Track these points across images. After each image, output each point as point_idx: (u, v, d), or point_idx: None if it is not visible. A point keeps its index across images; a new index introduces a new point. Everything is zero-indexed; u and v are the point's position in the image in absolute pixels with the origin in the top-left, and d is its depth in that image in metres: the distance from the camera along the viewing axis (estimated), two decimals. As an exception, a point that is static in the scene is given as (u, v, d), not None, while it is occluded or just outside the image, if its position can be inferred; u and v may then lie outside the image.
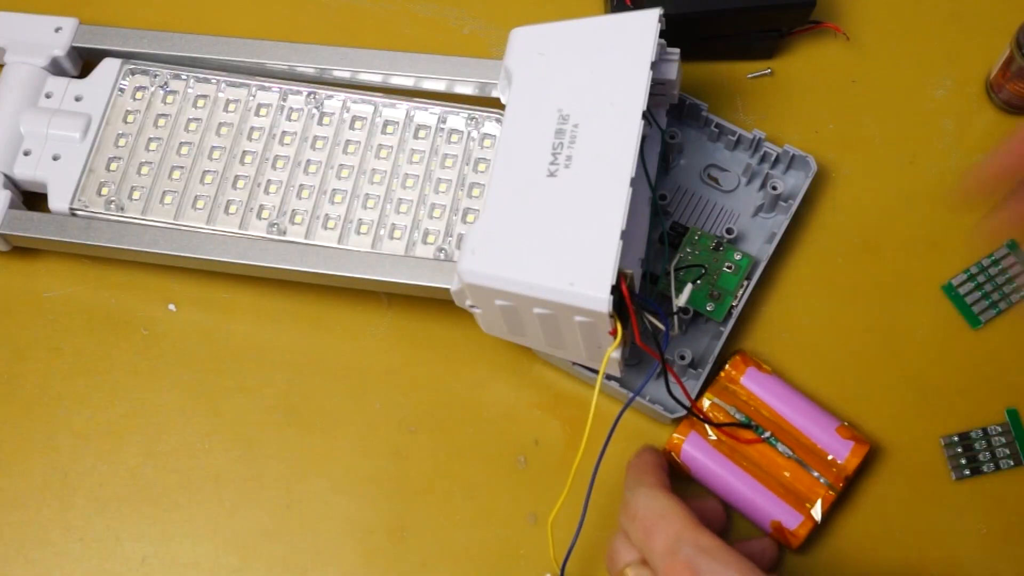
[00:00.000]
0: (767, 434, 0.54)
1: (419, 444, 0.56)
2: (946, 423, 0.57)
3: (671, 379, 0.52)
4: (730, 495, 0.54)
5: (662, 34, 0.52)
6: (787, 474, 0.53)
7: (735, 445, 0.54)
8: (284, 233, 0.56)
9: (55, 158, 0.57)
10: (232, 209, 0.57)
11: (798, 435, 0.54)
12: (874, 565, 0.55)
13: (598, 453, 0.49)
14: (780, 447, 0.54)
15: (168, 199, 0.57)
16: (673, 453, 0.54)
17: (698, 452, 0.54)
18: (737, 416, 0.55)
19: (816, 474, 0.53)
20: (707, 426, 0.54)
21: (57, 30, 0.60)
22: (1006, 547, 0.55)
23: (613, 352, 0.48)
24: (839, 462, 0.53)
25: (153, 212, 0.57)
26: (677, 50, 0.55)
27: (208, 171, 0.57)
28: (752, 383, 0.55)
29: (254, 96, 0.59)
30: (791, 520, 0.52)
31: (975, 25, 0.65)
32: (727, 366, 0.56)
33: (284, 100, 0.59)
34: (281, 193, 0.57)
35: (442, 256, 0.55)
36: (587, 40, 0.52)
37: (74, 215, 0.56)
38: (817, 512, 0.53)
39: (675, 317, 0.55)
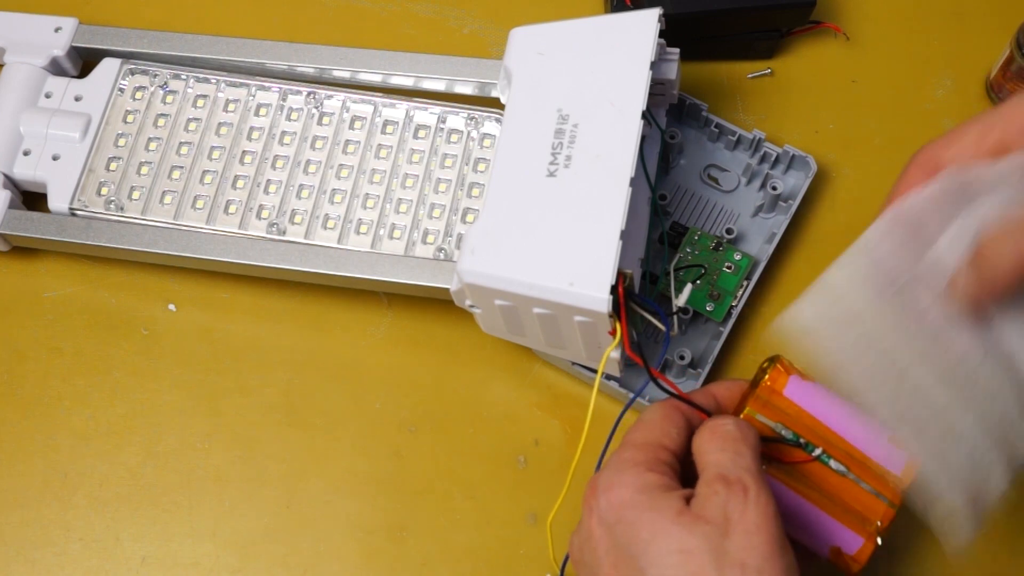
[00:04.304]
0: (818, 451, 0.47)
1: (419, 444, 0.56)
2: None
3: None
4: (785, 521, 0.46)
5: (662, 34, 0.52)
6: (842, 493, 0.47)
7: (781, 466, 0.47)
8: (284, 233, 0.56)
9: (55, 158, 0.57)
10: (232, 209, 0.57)
11: (850, 449, 0.48)
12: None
13: (598, 453, 0.49)
14: (833, 464, 0.47)
15: (168, 199, 0.57)
16: None
17: None
18: (784, 433, 0.47)
19: (872, 489, 0.47)
20: None
21: (57, 30, 0.60)
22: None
23: (613, 352, 0.48)
24: (896, 474, 0.47)
25: (153, 212, 0.57)
26: (677, 50, 0.55)
27: (208, 171, 0.57)
28: (798, 395, 0.48)
29: (254, 96, 0.59)
30: (851, 544, 0.47)
31: (975, 25, 0.65)
32: (766, 378, 0.48)
33: (284, 100, 0.59)
34: (281, 193, 0.57)
35: (442, 256, 0.55)
36: (587, 40, 0.52)
37: (74, 215, 0.56)
38: (877, 532, 0.47)
39: (675, 317, 0.55)
